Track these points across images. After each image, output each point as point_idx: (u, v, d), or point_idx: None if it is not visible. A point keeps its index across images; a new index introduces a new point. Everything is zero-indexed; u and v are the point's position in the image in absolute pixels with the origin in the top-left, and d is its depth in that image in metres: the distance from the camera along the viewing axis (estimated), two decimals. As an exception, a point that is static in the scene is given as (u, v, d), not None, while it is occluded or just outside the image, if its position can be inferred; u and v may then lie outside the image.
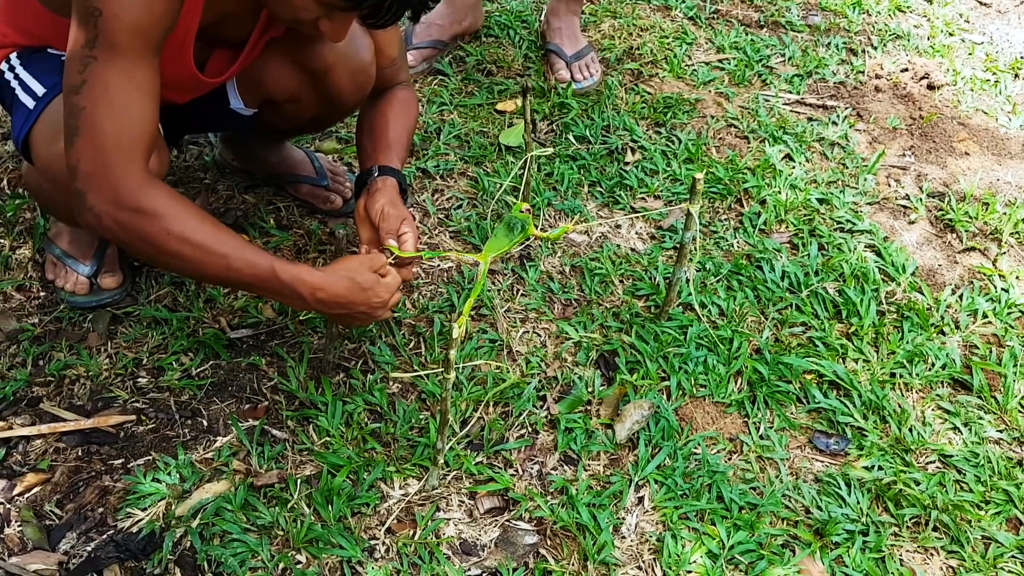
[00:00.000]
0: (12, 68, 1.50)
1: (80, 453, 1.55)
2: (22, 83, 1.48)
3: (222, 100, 1.67)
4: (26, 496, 1.49)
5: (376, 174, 1.59)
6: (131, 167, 1.24)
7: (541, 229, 1.99)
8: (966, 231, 2.12)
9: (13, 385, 1.63)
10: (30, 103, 1.45)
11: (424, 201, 2.08)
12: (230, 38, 1.51)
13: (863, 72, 2.68)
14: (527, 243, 1.99)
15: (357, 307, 1.42)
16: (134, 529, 1.45)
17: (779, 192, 2.16)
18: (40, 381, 1.66)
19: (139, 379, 1.67)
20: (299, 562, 1.40)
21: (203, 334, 1.73)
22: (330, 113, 1.76)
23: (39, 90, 1.45)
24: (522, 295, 1.88)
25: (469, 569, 1.42)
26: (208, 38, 1.45)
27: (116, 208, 1.24)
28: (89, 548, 1.43)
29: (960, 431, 1.68)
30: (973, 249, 2.09)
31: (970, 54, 2.84)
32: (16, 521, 1.46)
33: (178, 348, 1.71)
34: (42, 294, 1.81)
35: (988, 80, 2.70)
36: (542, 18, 2.59)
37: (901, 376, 1.76)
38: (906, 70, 2.70)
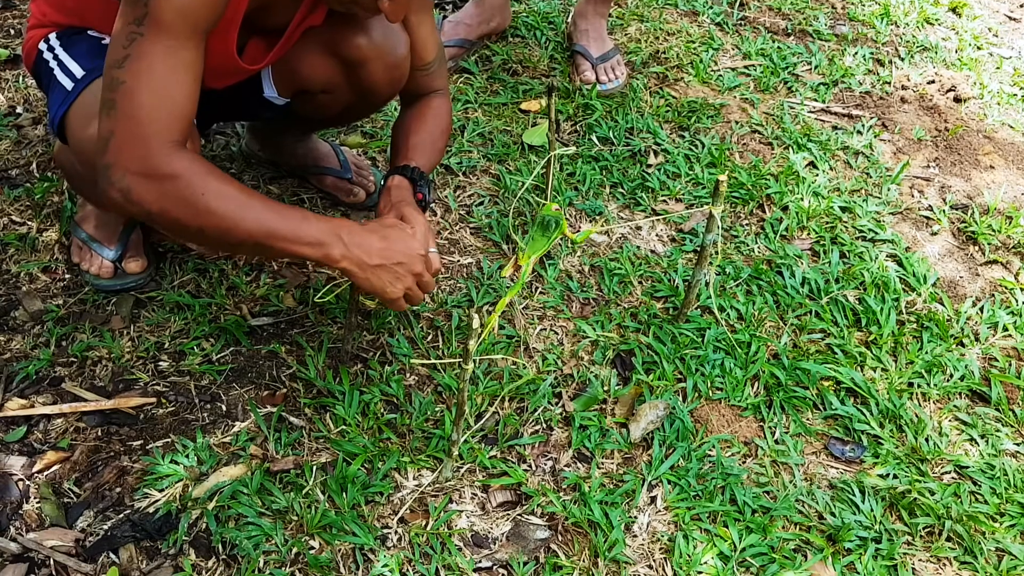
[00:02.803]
0: (52, 48, 1.52)
1: (100, 433, 1.57)
2: (61, 64, 1.50)
3: (256, 88, 1.69)
4: (45, 474, 1.51)
5: (392, 175, 1.60)
6: (164, 139, 1.23)
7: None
8: (988, 244, 2.11)
9: (36, 364, 1.66)
10: (68, 84, 1.47)
11: (446, 197, 2.09)
12: (271, 25, 1.52)
13: (889, 83, 2.67)
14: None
15: (394, 258, 1.40)
16: (151, 509, 1.46)
17: (802, 199, 2.16)
18: (63, 361, 1.68)
19: (160, 363, 1.69)
20: (312, 547, 1.42)
21: (224, 321, 1.75)
22: (362, 106, 1.78)
23: (78, 72, 1.47)
24: (540, 293, 1.89)
25: (480, 561, 1.43)
26: (249, 24, 1.46)
27: (146, 178, 1.22)
28: (106, 527, 1.44)
29: (977, 443, 1.67)
30: (995, 262, 2.08)
31: (998, 68, 2.82)
32: (35, 498, 1.48)
33: (199, 333, 1.73)
34: (67, 276, 1.83)
35: (1015, 95, 2.68)
36: (569, 20, 2.60)
37: (919, 386, 1.75)
38: (933, 82, 2.68)
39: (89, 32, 1.51)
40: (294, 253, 1.33)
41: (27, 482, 1.49)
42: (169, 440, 1.56)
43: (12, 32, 2.54)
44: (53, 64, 1.51)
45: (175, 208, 1.25)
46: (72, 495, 1.49)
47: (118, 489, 1.49)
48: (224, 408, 1.63)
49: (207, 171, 1.26)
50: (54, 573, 1.38)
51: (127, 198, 1.24)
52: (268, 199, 1.32)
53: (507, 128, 2.32)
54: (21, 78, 2.38)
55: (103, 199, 1.27)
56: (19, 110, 2.27)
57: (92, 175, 1.49)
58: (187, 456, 1.53)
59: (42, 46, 1.53)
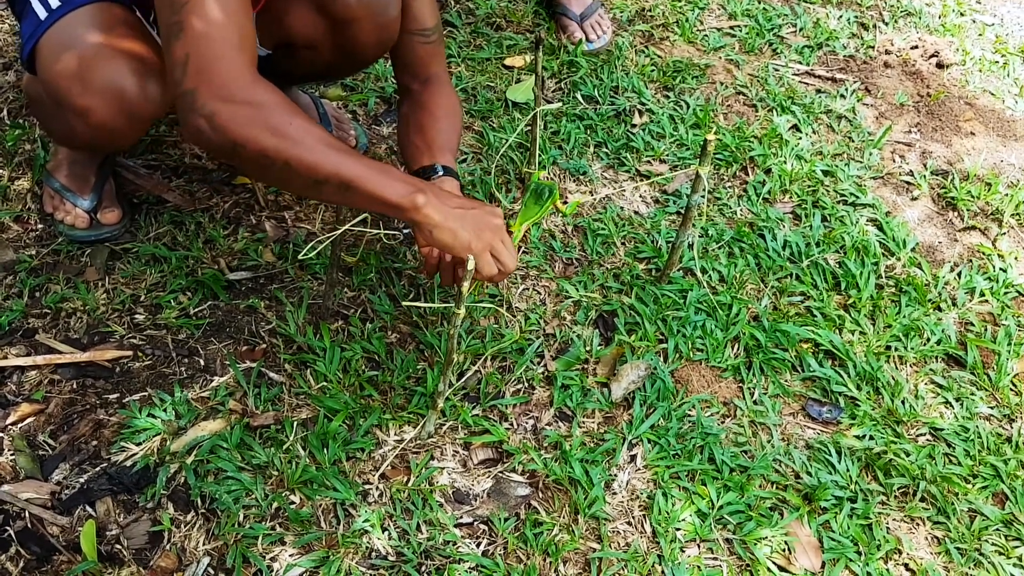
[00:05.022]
0: None
1: (75, 386, 1.55)
2: None
3: None
4: (19, 426, 1.49)
5: (440, 172, 1.52)
6: (242, 61, 1.17)
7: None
8: (967, 210, 2.12)
9: (9, 315, 1.62)
10: (42, 13, 1.42)
11: (428, 153, 2.06)
12: None
13: (873, 47, 2.66)
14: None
15: (474, 211, 1.33)
16: (128, 463, 1.45)
17: (785, 162, 2.16)
18: (36, 313, 1.65)
19: (136, 315, 1.66)
20: (293, 502, 1.41)
21: (202, 274, 1.72)
22: (346, 65, 1.72)
23: (54, 2, 1.42)
24: (524, 252, 1.88)
25: (461, 517, 1.43)
26: None
27: (231, 103, 1.15)
28: (82, 480, 1.43)
29: (952, 405, 1.69)
30: (974, 228, 2.09)
31: (980, 35, 2.82)
32: (9, 450, 1.45)
33: (176, 287, 1.70)
34: (40, 226, 1.79)
35: (997, 62, 2.69)
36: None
37: (896, 349, 1.77)
38: (916, 47, 2.68)
39: None
40: (377, 197, 1.24)
41: (1, 434, 1.47)
42: (146, 394, 1.54)
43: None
44: None
45: (262, 137, 1.16)
46: (47, 447, 1.47)
47: (94, 442, 1.48)
48: (202, 362, 1.60)
49: (291, 104, 1.20)
50: (29, 526, 1.36)
51: (212, 125, 1.16)
52: (348, 146, 1.27)
53: (490, 84, 2.29)
54: (-12, 21, 2.31)
55: (186, 131, 1.19)
56: (-13, 54, 2.20)
57: (58, 109, 1.45)
58: (165, 410, 1.51)
59: None
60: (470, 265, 1.23)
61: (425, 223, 1.29)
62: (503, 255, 1.36)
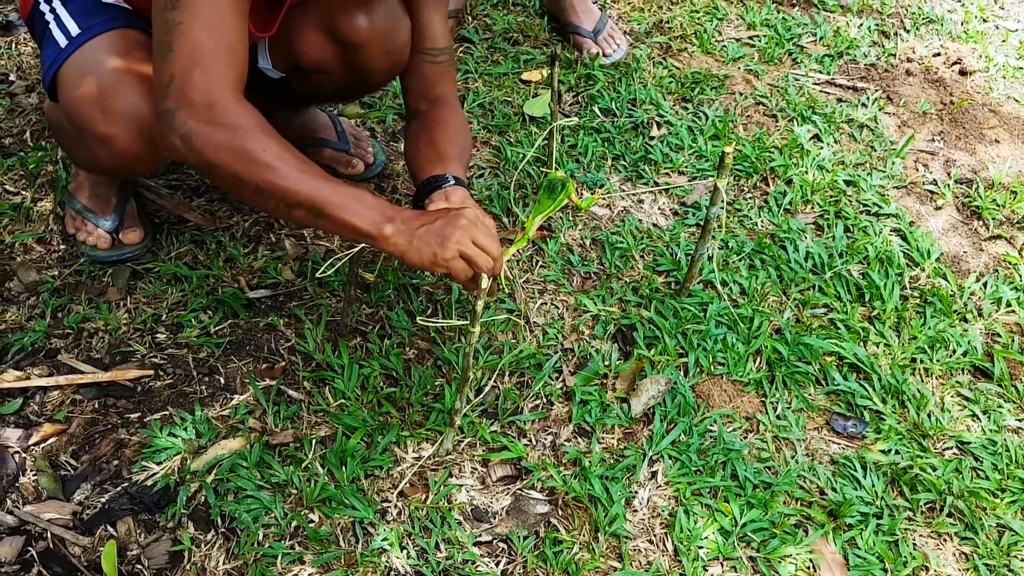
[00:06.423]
0: (49, 1, 1.49)
1: (97, 405, 1.56)
2: (58, 19, 1.47)
3: (252, 58, 1.65)
4: (42, 446, 1.50)
5: (451, 181, 1.50)
6: (227, 85, 1.21)
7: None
8: (993, 219, 2.09)
9: (32, 336, 1.64)
10: (63, 41, 1.44)
11: (446, 168, 2.06)
12: None
13: (895, 55, 2.64)
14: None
15: (439, 221, 1.31)
16: (149, 482, 1.45)
17: (806, 172, 2.14)
18: (58, 333, 1.66)
19: (157, 335, 1.67)
20: (312, 521, 1.41)
21: (222, 293, 1.73)
22: (357, 88, 1.73)
23: (74, 30, 1.44)
24: (541, 266, 1.87)
25: (480, 535, 1.42)
26: None
27: (208, 125, 1.19)
28: (103, 500, 1.43)
29: (979, 418, 1.66)
30: (999, 237, 2.06)
31: (1003, 41, 2.79)
32: (32, 470, 1.47)
33: (197, 306, 1.71)
34: (62, 247, 1.81)
35: (1021, 68, 2.65)
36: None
37: (922, 361, 1.74)
38: (938, 55, 2.65)
39: None
40: (347, 224, 1.27)
41: (23, 454, 1.48)
42: (167, 413, 1.55)
43: (4, -2, 2.50)
44: (49, 17, 1.47)
45: (235, 161, 1.21)
46: (69, 468, 1.48)
47: (116, 462, 1.48)
48: (222, 381, 1.61)
49: (268, 128, 1.24)
50: (51, 546, 1.37)
51: (187, 145, 1.20)
52: (324, 171, 1.28)
53: (508, 99, 2.29)
54: (14, 44, 2.34)
55: (162, 145, 1.23)
56: (12, 77, 2.24)
57: (80, 134, 1.47)
58: (185, 429, 1.52)
59: None
60: (484, 283, 1.23)
61: (394, 251, 1.30)
62: (487, 248, 1.33)
